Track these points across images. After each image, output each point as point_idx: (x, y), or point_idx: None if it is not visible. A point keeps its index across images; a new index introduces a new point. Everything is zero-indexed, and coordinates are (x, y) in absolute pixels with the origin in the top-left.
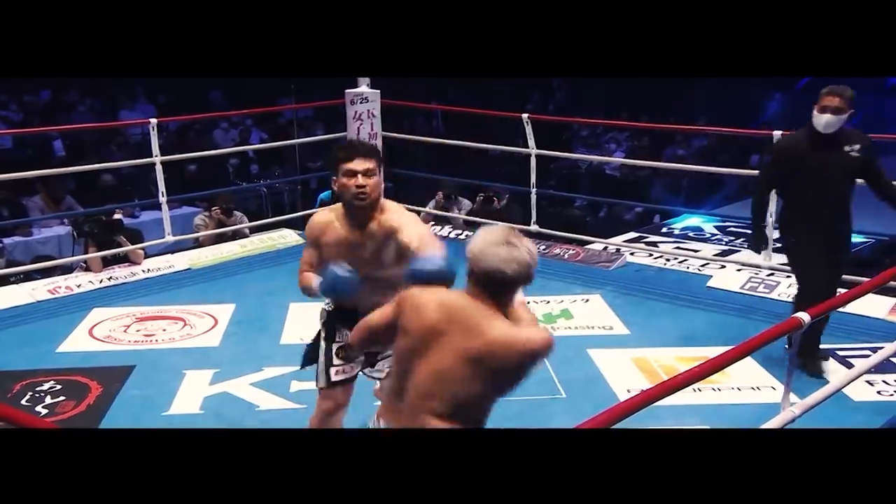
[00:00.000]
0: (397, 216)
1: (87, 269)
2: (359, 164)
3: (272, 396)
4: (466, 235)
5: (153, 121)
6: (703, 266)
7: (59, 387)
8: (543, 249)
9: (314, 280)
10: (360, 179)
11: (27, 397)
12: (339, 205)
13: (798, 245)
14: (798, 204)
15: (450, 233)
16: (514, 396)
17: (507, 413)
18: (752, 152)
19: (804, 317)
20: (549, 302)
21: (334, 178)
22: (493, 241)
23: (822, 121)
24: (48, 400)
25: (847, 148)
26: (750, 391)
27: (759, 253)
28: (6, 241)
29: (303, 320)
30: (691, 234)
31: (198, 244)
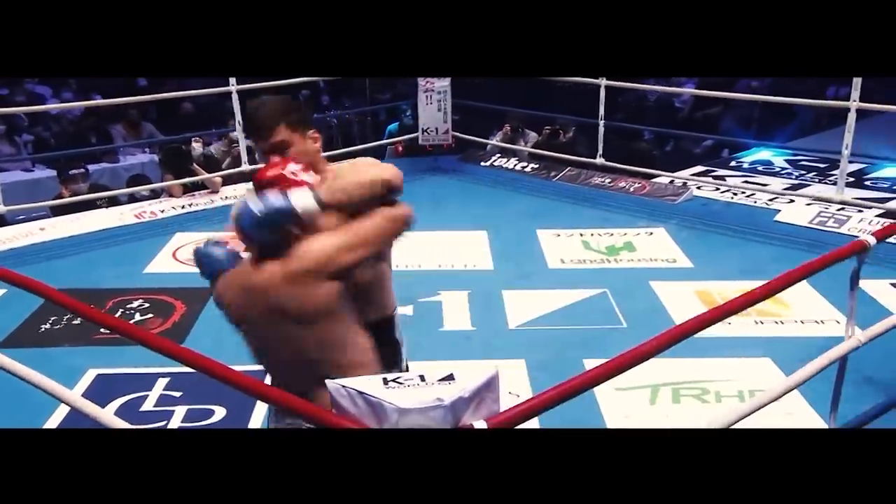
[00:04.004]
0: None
1: (171, 196)
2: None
3: None
4: (532, 168)
5: None
6: (771, 200)
7: (147, 305)
8: (609, 182)
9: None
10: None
11: (119, 313)
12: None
13: None
14: None
15: (515, 165)
16: (576, 325)
17: (569, 341)
18: (829, 84)
19: (870, 239)
20: (612, 234)
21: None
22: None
23: None
24: (137, 317)
25: None
26: (814, 324)
27: None
28: (93, 167)
29: None
30: (760, 167)
31: None
